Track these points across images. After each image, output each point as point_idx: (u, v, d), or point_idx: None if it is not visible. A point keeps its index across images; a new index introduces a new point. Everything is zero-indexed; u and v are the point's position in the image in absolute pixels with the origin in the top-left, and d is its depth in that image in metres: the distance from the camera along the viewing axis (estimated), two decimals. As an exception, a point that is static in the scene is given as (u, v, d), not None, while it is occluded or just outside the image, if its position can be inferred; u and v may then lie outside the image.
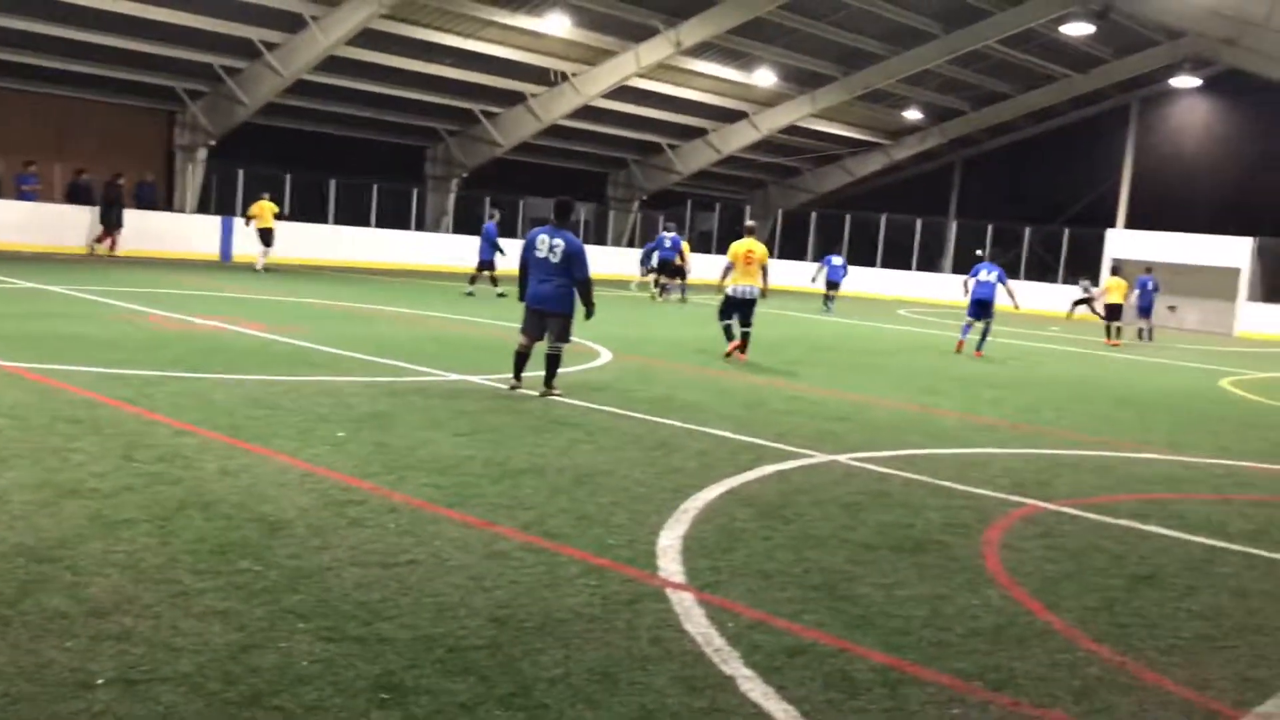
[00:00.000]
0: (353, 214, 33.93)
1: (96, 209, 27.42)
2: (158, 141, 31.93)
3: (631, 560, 5.41)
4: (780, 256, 41.41)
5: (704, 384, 12.16)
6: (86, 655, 3.87)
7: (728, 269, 14.76)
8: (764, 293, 14.76)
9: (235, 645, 4.04)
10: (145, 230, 27.99)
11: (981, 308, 18.57)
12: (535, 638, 4.32)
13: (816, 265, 30.54)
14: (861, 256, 38.97)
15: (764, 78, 34.27)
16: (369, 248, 32.78)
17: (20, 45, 26.61)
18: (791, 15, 29.86)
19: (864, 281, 37.53)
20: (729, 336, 14.78)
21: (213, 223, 30.10)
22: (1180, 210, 36.73)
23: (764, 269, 14.74)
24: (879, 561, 5.72)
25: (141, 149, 31.35)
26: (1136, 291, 26.02)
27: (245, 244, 27.64)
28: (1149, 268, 27.40)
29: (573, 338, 10.66)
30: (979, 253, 33.09)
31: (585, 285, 10.24)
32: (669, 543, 5.73)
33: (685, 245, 28.97)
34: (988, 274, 18.61)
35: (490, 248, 23.37)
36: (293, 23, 27.56)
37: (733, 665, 4.18)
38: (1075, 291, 34.23)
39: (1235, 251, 33.48)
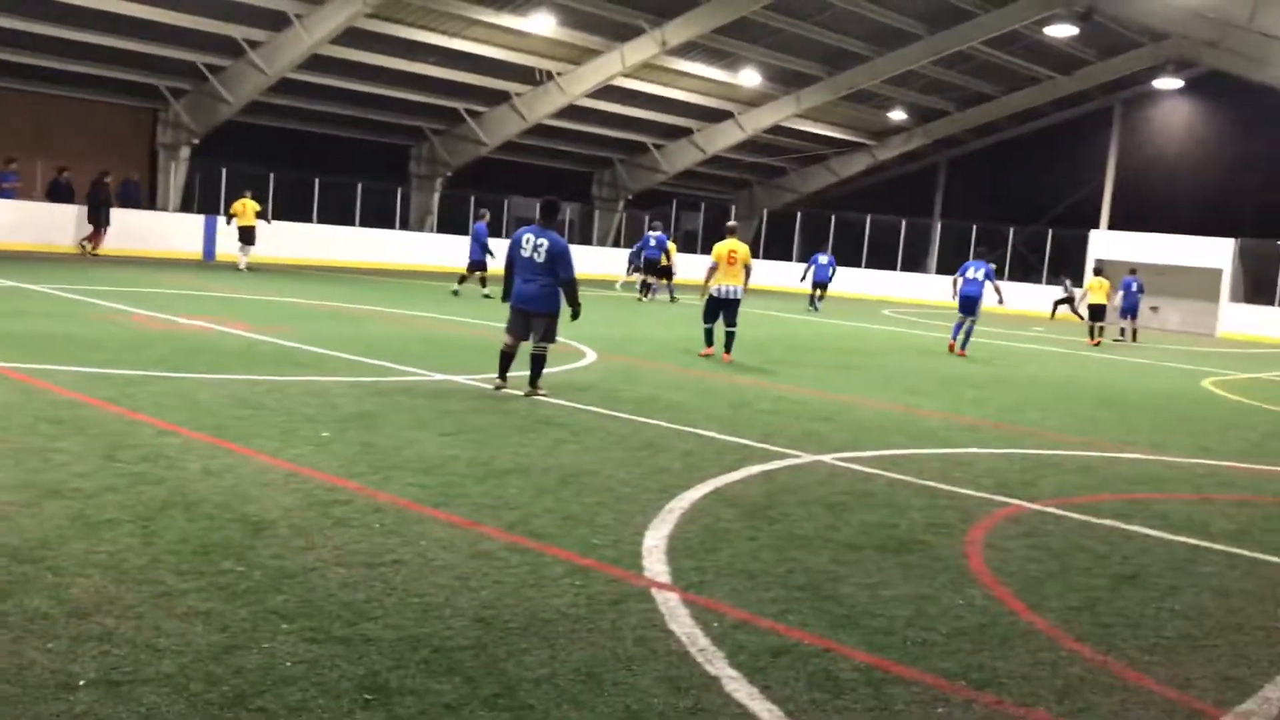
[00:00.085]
0: (337, 213, 33.82)
1: (83, 207, 27.27)
2: (141, 139, 31.78)
3: (617, 560, 5.41)
4: (765, 257, 41.51)
5: (689, 384, 12.17)
6: (68, 656, 3.84)
7: (711, 269, 14.87)
8: (744, 289, 14.88)
9: (218, 646, 4.03)
10: (128, 229, 27.83)
11: (966, 305, 18.63)
12: (520, 638, 4.32)
13: (805, 265, 30.54)
14: (846, 257, 39.04)
15: (749, 78, 34.32)
16: (353, 247, 32.69)
17: (1, 42, 26.43)
18: (776, 15, 29.91)
19: (848, 282, 37.61)
20: (708, 341, 14.94)
21: (196, 222, 29.97)
22: (1163, 211, 36.96)
23: (747, 269, 14.86)
24: (863, 561, 5.73)
25: (124, 147, 31.19)
26: (1121, 292, 26.14)
27: (228, 243, 27.51)
28: (1134, 269, 27.54)
29: (558, 338, 10.66)
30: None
31: (570, 285, 10.23)
32: (654, 543, 5.74)
33: (672, 245, 28.97)
34: (975, 272, 18.68)
35: (480, 248, 23.32)
36: (277, 21, 27.46)
37: (718, 665, 4.19)
38: (1059, 292, 34.40)
39: (1217, 252, 33.68)
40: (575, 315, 10.42)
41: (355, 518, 5.77)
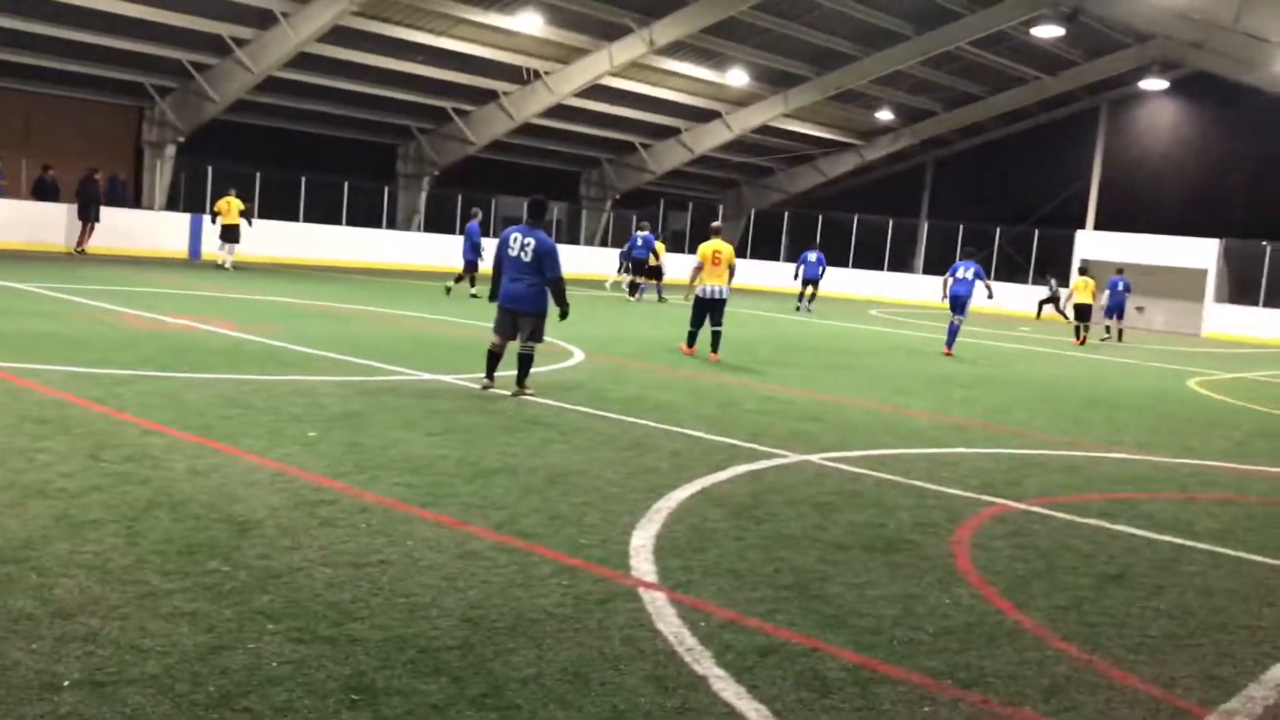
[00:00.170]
0: (324, 212, 33.72)
1: (70, 206, 27.17)
2: (126, 138, 31.64)
3: (604, 560, 5.41)
4: (753, 257, 41.59)
5: (677, 384, 12.17)
6: (52, 657, 3.83)
7: (696, 269, 15.04)
8: (729, 290, 15.02)
9: (204, 646, 4.01)
10: (113, 227, 27.67)
11: (956, 304, 18.72)
12: (507, 638, 4.31)
13: (795, 264, 30.54)
14: (834, 257, 39.04)
15: (737, 77, 34.35)
16: (340, 246, 32.60)
17: (-14, 40, 26.33)
18: (764, 15, 29.93)
19: (836, 282, 37.65)
20: (690, 342, 15.09)
21: (182, 220, 29.85)
22: (1148, 212, 37.14)
23: (731, 269, 14.98)
24: (850, 561, 5.74)
25: (110, 145, 31.05)
26: (1107, 291, 26.24)
27: (214, 242, 27.40)
28: (1120, 268, 27.66)
29: (546, 337, 10.65)
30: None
31: (557, 284, 10.21)
32: (641, 542, 5.74)
33: (660, 245, 29.01)
34: (964, 271, 18.76)
35: (471, 247, 23.29)
36: (263, 19, 27.37)
37: (705, 665, 4.19)
38: (1045, 292, 34.52)
39: (1202, 253, 33.84)
40: (563, 315, 10.41)
41: (342, 518, 5.75)
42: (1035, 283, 37.00)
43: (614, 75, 32.43)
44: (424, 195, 37.17)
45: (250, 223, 26.80)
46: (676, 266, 30.93)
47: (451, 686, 3.85)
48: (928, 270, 40.94)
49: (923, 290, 37.18)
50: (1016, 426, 11.15)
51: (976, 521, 6.79)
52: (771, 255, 42.03)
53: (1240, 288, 34.39)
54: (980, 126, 41.46)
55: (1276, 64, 29.10)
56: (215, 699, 3.62)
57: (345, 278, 27.10)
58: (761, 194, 46.18)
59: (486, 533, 5.70)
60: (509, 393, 10.14)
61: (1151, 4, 28.20)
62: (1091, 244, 35.67)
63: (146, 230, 29.09)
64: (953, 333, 18.72)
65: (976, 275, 18.75)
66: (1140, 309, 32.98)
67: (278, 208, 32.37)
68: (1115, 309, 26.26)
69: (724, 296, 14.82)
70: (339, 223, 33.87)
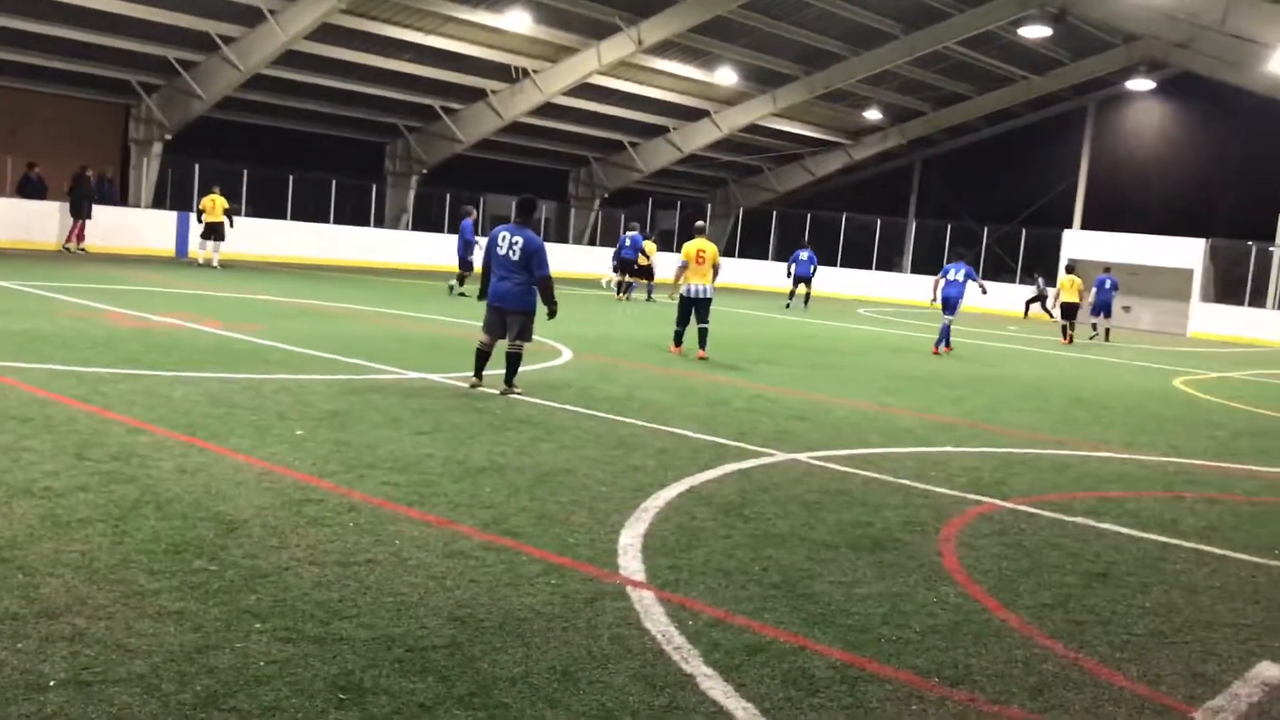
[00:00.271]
0: (311, 210, 33.63)
1: (55, 203, 27.05)
2: (112, 135, 31.50)
3: (592, 559, 5.41)
4: (741, 256, 41.62)
5: (665, 383, 12.18)
6: (38, 657, 3.81)
7: (681, 268, 15.16)
8: (713, 290, 15.12)
9: (191, 646, 4.00)
10: (99, 225, 27.57)
11: (947, 305, 18.80)
12: (495, 637, 4.31)
13: (787, 263, 30.69)
14: (822, 256, 39.13)
15: (725, 76, 34.36)
16: (327, 244, 32.51)
17: (-30, 37, 26.19)
18: (753, 14, 29.94)
19: (824, 281, 37.72)
20: (677, 341, 15.18)
21: (168, 218, 29.73)
22: (1135, 211, 37.29)
23: (715, 268, 15.06)
24: (838, 560, 5.75)
25: (96, 143, 30.90)
26: (1094, 289, 26.33)
27: (200, 240, 27.30)
28: (1108, 267, 27.76)
29: (534, 336, 10.64)
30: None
31: (545, 283, 10.21)
32: (629, 541, 5.74)
33: (651, 245, 29.06)
34: (956, 273, 18.85)
35: (464, 246, 23.28)
36: (251, 16, 27.27)
37: (693, 663, 4.19)
38: (1032, 292, 34.60)
39: (1188, 252, 33.97)
40: (551, 314, 10.41)
41: (329, 516, 5.74)
42: (1023, 282, 37.10)
43: (602, 74, 32.41)
44: (412, 194, 37.10)
45: (231, 223, 26.54)
46: (668, 265, 30.89)
47: (439, 685, 3.85)
48: (916, 269, 41.03)
49: (911, 289, 37.22)
50: (1003, 425, 11.18)
51: (963, 520, 6.81)
52: (760, 254, 42.07)
53: (1226, 287, 34.55)
54: (968, 126, 41.56)
55: (1263, 64, 29.22)
56: (202, 698, 3.61)
57: (333, 276, 27.03)
58: (750, 193, 46.21)
59: (474, 532, 5.70)
60: (497, 391, 10.13)
61: (1138, 4, 28.30)
62: (1079, 243, 35.77)
63: (133, 228, 28.96)
64: (944, 332, 18.80)
65: (968, 276, 18.84)
66: (1127, 308, 33.10)
67: (265, 206, 32.29)
68: (1102, 308, 26.35)
69: (708, 296, 14.93)
70: (327, 221, 33.77)
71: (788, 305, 28.95)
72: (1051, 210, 39.71)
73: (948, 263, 19.66)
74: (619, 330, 18.82)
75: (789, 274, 29.90)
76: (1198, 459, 9.95)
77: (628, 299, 27.41)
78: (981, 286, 19.83)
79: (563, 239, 41.03)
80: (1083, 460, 9.41)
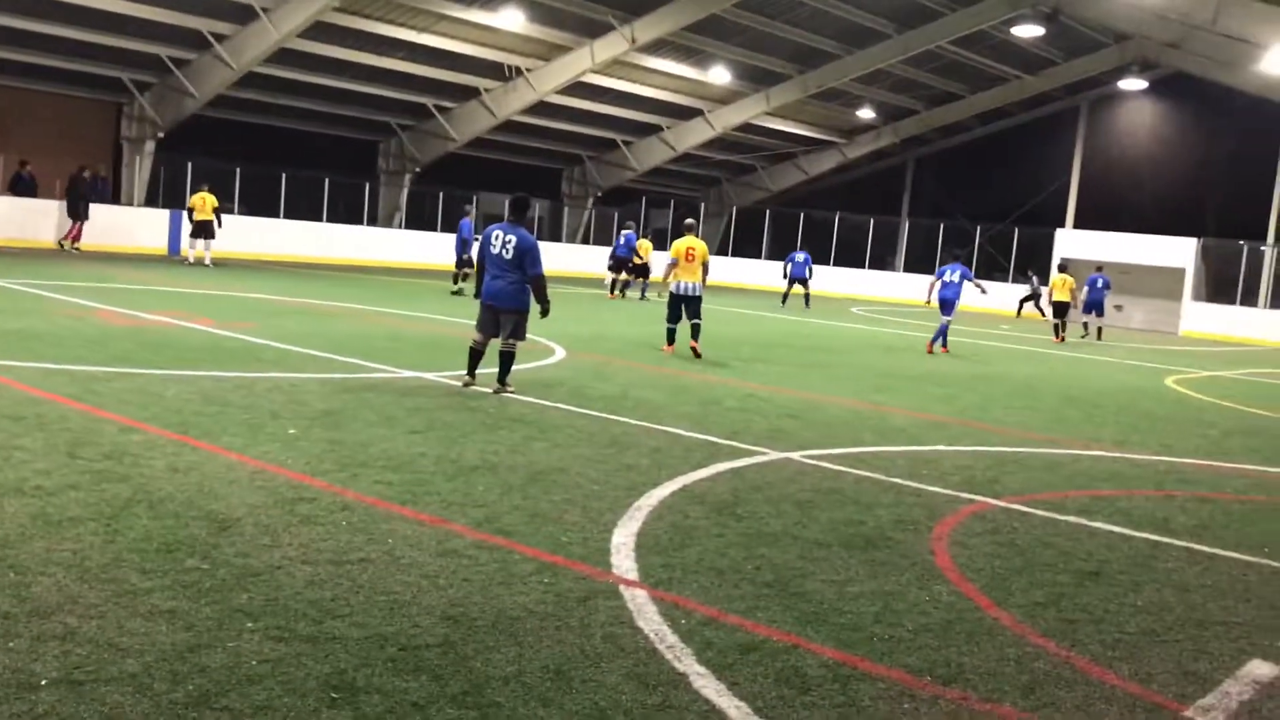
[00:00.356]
0: (304, 209, 33.58)
1: (53, 202, 27.00)
2: (105, 133, 31.41)
3: (585, 558, 5.41)
4: (735, 255, 41.63)
5: (658, 382, 12.18)
6: (30, 656, 3.80)
7: (670, 266, 15.22)
8: (703, 284, 15.15)
9: (183, 645, 3.99)
10: (92, 223, 27.48)
11: (944, 306, 18.83)
12: (488, 636, 4.31)
13: (783, 264, 30.80)
14: (815, 255, 39.22)
15: (719, 75, 34.36)
16: (320, 243, 32.47)
17: (-39, 34, 26.10)
18: (746, 13, 29.96)
19: (817, 280, 37.71)
20: (669, 339, 15.21)
21: (161, 216, 29.66)
22: (1127, 211, 37.35)
23: (705, 266, 15.10)
24: (830, 558, 5.76)
25: (88, 141, 30.82)
26: (1085, 288, 26.38)
27: (190, 239, 27.23)
28: (1099, 266, 27.81)
29: (527, 335, 10.63)
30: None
31: (538, 282, 10.20)
32: (622, 540, 5.74)
33: (648, 244, 29.10)
34: (952, 275, 18.89)
35: (460, 244, 23.26)
36: (243, 14, 27.21)
37: (685, 662, 4.20)
38: (1025, 290, 34.62)
39: (1180, 252, 34.06)
40: (544, 313, 10.41)
41: (322, 515, 5.73)
42: (1015, 281, 37.15)
43: (596, 72, 32.41)
44: (405, 192, 37.07)
45: (219, 222, 26.32)
46: (663, 265, 30.91)
47: (432, 684, 3.85)
48: (909, 268, 41.05)
49: (904, 288, 37.28)
50: (996, 424, 11.20)
51: (956, 519, 6.82)
52: (754, 253, 42.09)
53: (1217, 287, 34.63)
54: (961, 125, 41.62)
55: (1254, 64, 29.29)
56: (194, 697, 3.60)
57: (326, 274, 26.99)
58: (743, 192, 46.23)
59: (467, 530, 5.69)
60: (490, 390, 10.13)
61: (1130, 4, 28.37)
62: (1071, 242, 35.84)
63: (125, 226, 28.89)
64: (941, 332, 18.83)
65: (964, 277, 18.88)
66: (1119, 307, 33.18)
67: (258, 204, 32.22)
68: (1094, 306, 26.40)
69: (698, 293, 15.01)
70: (320, 219, 33.72)
71: (783, 304, 29.08)
72: (1044, 209, 39.79)
73: (943, 264, 19.69)
74: (612, 329, 18.81)
75: (785, 275, 30.01)
76: (1189, 458, 9.98)
77: (623, 296, 27.44)
78: (981, 287, 19.88)
79: (556, 238, 41.01)
80: (1075, 459, 9.43)
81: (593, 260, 37.80)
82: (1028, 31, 31.04)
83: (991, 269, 38.95)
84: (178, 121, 30.44)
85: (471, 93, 33.92)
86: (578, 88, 33.61)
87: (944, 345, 18.91)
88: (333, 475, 6.59)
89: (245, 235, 29.54)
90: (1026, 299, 34.28)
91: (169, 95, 30.00)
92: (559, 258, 34.60)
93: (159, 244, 29.13)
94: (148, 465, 6.47)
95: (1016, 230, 38.78)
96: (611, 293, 27.80)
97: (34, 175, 27.95)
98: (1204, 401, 15.14)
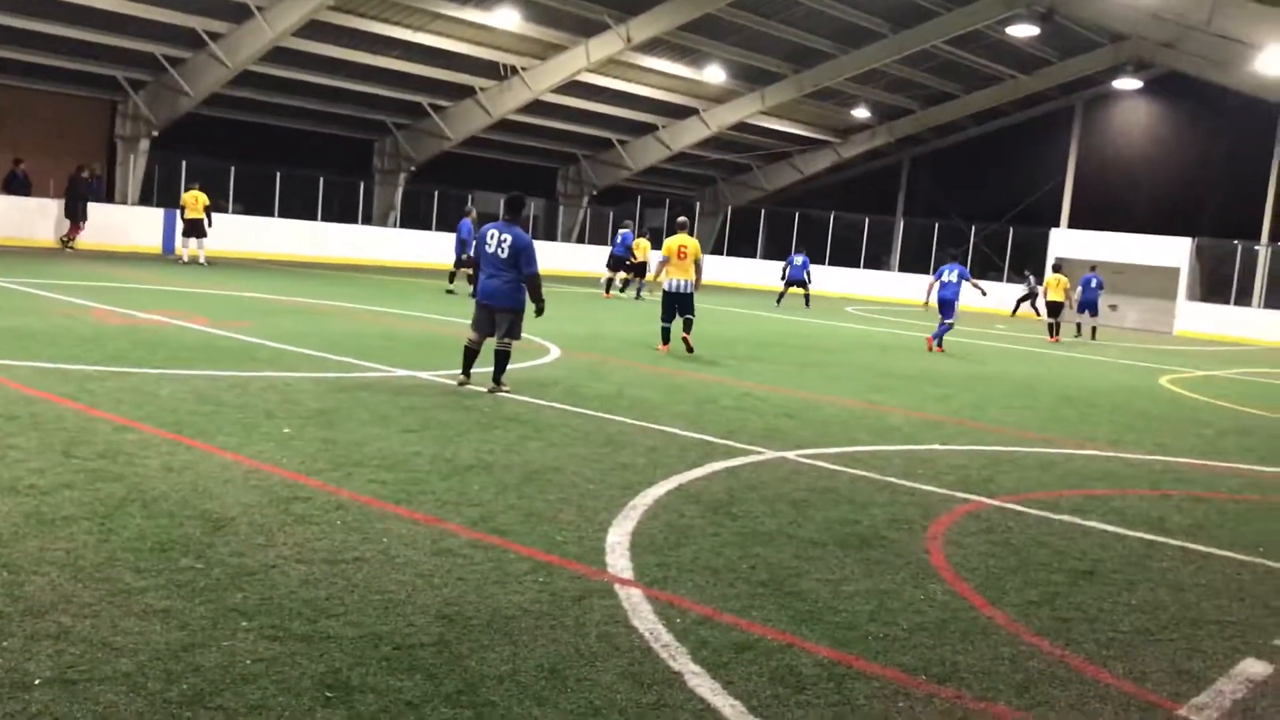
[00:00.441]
0: (299, 207, 33.53)
1: (50, 200, 26.95)
2: (99, 132, 31.34)
3: (580, 557, 5.41)
4: (730, 254, 41.64)
5: (653, 381, 12.18)
6: (23, 655, 3.79)
7: (662, 263, 15.28)
8: (697, 284, 15.17)
9: (177, 644, 3.99)
10: (86, 222, 27.42)
11: (944, 307, 18.88)
12: (483, 635, 4.31)
13: (782, 266, 30.90)
14: (811, 254, 39.25)
15: (714, 74, 34.35)
16: (315, 242, 32.43)
17: (-45, 32, 26.03)
18: (741, 12, 29.95)
19: (813, 279, 37.79)
20: (664, 339, 15.24)
21: (155, 215, 29.60)
22: (1122, 210, 37.41)
23: (697, 264, 15.16)
24: (825, 557, 5.76)
25: (82, 139, 30.74)
26: (1079, 288, 26.43)
27: (182, 238, 27.18)
28: (1093, 266, 27.85)
29: (523, 334, 10.63)
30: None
31: (533, 281, 10.21)
32: (617, 539, 5.74)
33: (644, 243, 29.13)
34: (950, 275, 18.94)
35: (461, 245, 23.23)
36: (238, 13, 27.16)
37: (680, 661, 4.20)
38: (1020, 290, 34.67)
39: (1175, 251, 34.12)
40: (539, 312, 10.41)
41: (316, 514, 5.73)
42: (1010, 280, 37.20)
43: (591, 71, 32.38)
44: (400, 191, 37.02)
45: (210, 221, 26.11)
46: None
47: (427, 683, 3.84)
48: (904, 268, 41.10)
49: (899, 288, 37.31)
50: (991, 424, 11.21)
51: (951, 518, 6.83)
52: (749, 252, 42.09)
53: (1212, 286, 34.71)
54: (956, 125, 41.64)
55: (1248, 64, 29.34)
56: (188, 697, 3.60)
57: (321, 273, 26.96)
58: (739, 191, 46.23)
59: (462, 529, 5.69)
60: (485, 389, 10.12)
61: (1125, 4, 28.39)
62: (1066, 242, 35.89)
63: (119, 225, 28.83)
64: (943, 331, 18.88)
65: (961, 277, 18.94)
66: (1113, 307, 33.22)
67: (253, 203, 32.17)
68: (1088, 306, 26.45)
69: (690, 291, 15.04)
70: (315, 218, 33.68)
71: (777, 304, 29.17)
72: (1039, 209, 39.83)
73: (939, 264, 19.74)
74: (608, 328, 18.81)
75: (783, 276, 30.15)
76: (1184, 457, 10.00)
77: (621, 293, 27.49)
78: (980, 288, 19.91)
79: (551, 237, 41.00)
80: (1069, 458, 9.45)
81: (588, 259, 37.82)
82: (1023, 31, 31.05)
83: (986, 268, 38.99)
84: (172, 120, 30.38)
85: (467, 91, 33.88)
86: (573, 87, 33.58)
87: (939, 345, 18.94)
88: (327, 474, 6.59)
89: (240, 234, 29.49)
90: (1024, 299, 34.32)
91: (164, 94, 29.94)
92: (554, 257, 34.63)
93: (153, 243, 29.07)
94: (142, 464, 6.45)
95: (1011, 230, 38.85)
96: (607, 292, 27.81)
97: (28, 174, 27.88)
98: (1198, 401, 15.16)
